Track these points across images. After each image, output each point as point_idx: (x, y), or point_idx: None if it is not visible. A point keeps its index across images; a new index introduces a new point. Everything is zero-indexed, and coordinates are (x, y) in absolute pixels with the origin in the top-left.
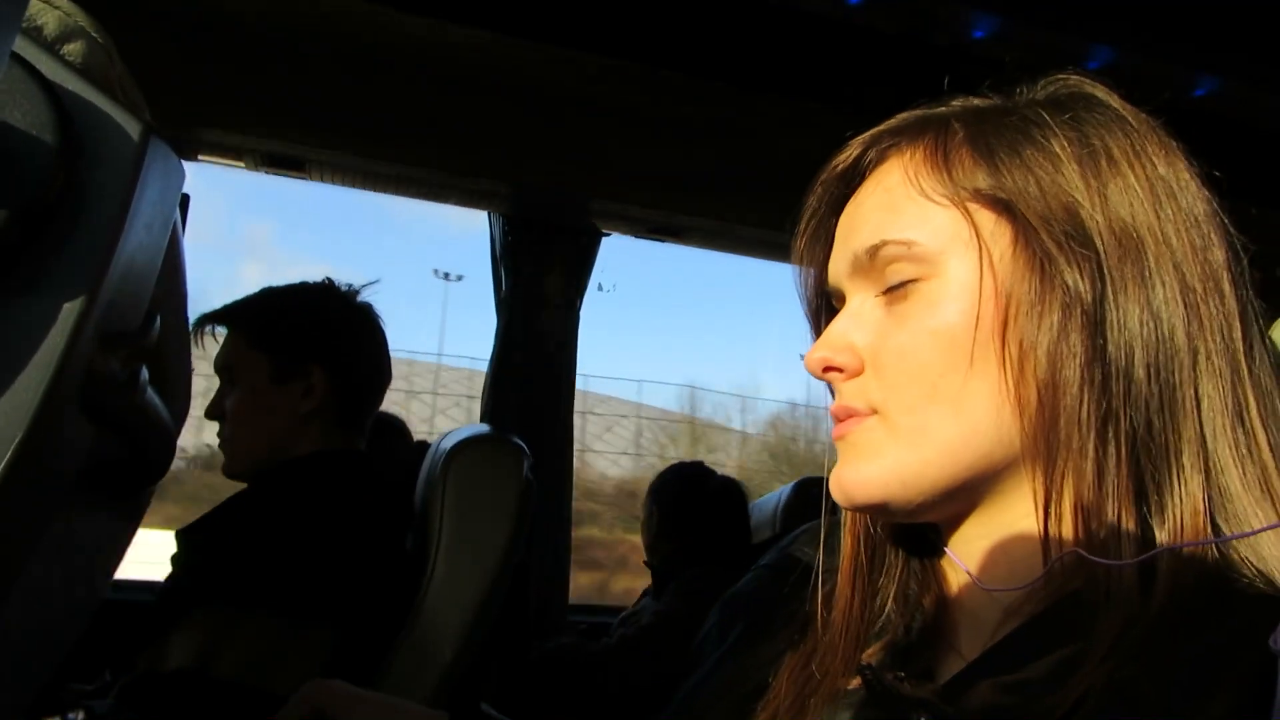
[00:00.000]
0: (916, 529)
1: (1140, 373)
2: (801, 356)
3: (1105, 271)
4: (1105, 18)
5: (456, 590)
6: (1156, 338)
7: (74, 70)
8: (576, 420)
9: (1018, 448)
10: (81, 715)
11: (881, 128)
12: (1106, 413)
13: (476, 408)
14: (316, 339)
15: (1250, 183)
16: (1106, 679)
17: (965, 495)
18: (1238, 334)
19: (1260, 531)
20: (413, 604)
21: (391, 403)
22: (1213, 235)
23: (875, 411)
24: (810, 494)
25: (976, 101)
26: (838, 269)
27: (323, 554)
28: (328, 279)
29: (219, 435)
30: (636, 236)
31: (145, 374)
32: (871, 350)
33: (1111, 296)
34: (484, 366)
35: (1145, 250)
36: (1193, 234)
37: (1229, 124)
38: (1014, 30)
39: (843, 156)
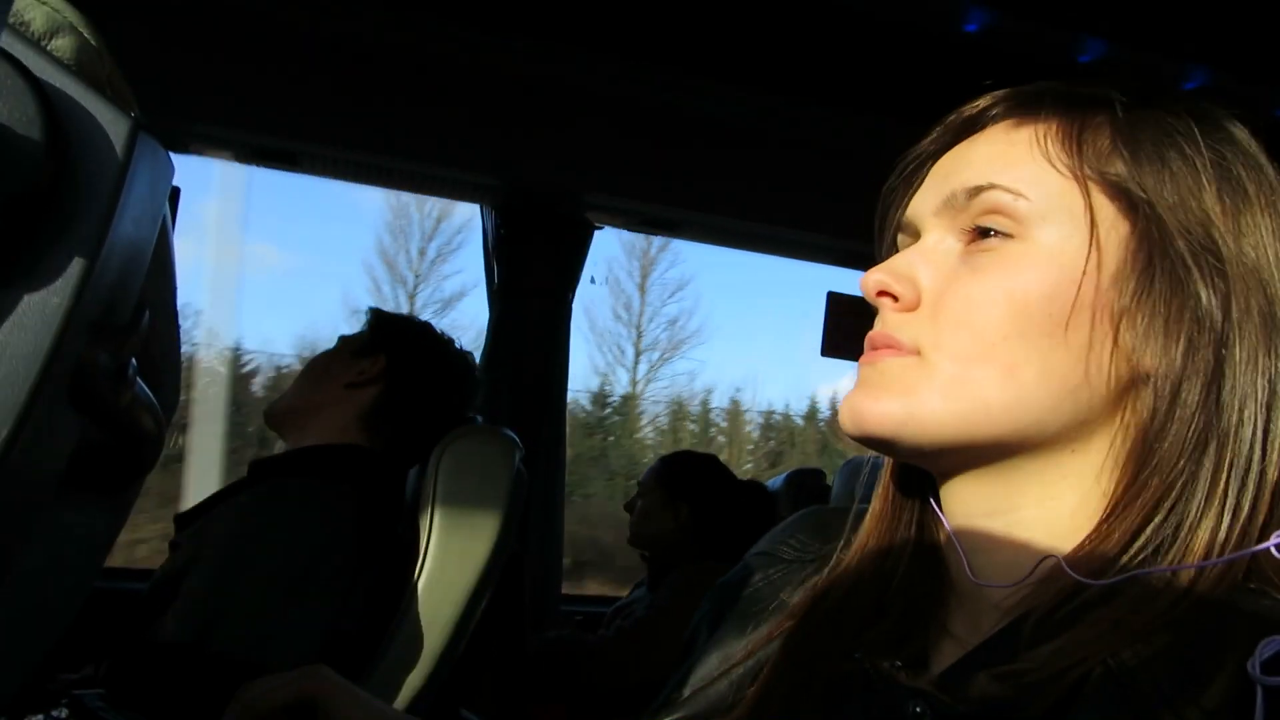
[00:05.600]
0: (925, 516)
1: (1250, 410)
2: None
3: (1233, 299)
4: (1096, 11)
5: (447, 580)
6: (1271, 378)
7: (61, 66)
8: None
9: (1053, 434)
10: (65, 714)
11: (1020, 89)
12: (1208, 437)
13: None
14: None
15: None
16: (1103, 667)
17: (976, 456)
18: None
19: None
20: (405, 592)
21: None
22: None
23: (918, 352)
24: (803, 484)
25: (1120, 94)
26: (922, 205)
27: (317, 535)
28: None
29: None
30: (630, 230)
31: (135, 366)
32: (935, 292)
33: (1236, 325)
34: None
35: (1267, 291)
36: None
37: None
38: (1007, 23)
39: (972, 105)
